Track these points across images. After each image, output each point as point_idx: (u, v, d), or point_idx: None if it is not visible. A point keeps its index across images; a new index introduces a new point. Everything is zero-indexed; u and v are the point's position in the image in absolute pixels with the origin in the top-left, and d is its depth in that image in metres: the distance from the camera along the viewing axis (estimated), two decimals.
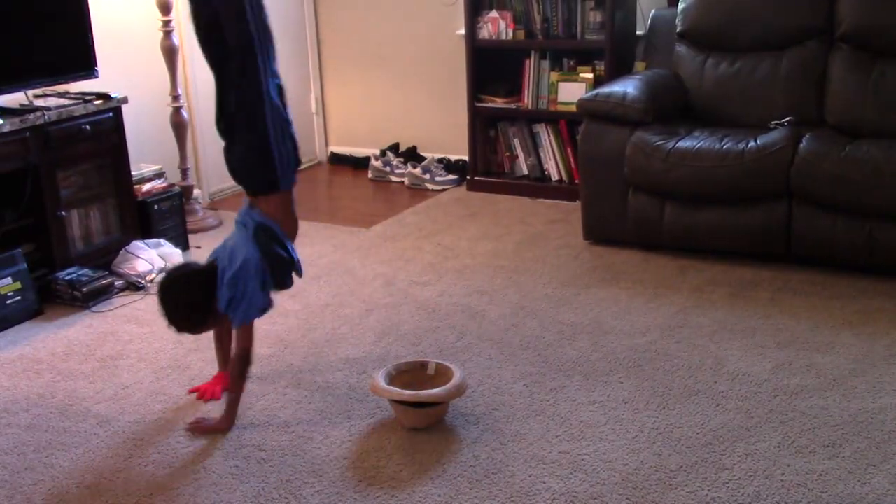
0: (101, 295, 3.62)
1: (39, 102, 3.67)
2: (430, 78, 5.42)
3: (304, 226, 4.48)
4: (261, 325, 3.34)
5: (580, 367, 2.93)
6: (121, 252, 3.86)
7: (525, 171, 4.97)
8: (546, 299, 3.48)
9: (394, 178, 5.33)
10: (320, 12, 5.67)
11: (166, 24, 4.26)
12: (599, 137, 3.91)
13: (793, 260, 3.67)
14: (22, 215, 3.56)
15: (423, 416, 2.58)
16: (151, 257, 3.83)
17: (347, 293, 3.63)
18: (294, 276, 2.75)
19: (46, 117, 3.54)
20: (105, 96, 3.80)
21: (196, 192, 4.69)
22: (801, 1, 4.02)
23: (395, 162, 5.37)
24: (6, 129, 3.39)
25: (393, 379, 2.67)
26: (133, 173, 4.04)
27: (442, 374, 2.68)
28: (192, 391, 2.87)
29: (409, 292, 3.60)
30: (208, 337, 3.26)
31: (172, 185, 4.28)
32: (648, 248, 3.92)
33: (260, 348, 3.17)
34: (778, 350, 2.99)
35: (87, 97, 3.78)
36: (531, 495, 2.28)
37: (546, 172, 4.91)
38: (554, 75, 4.71)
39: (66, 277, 3.60)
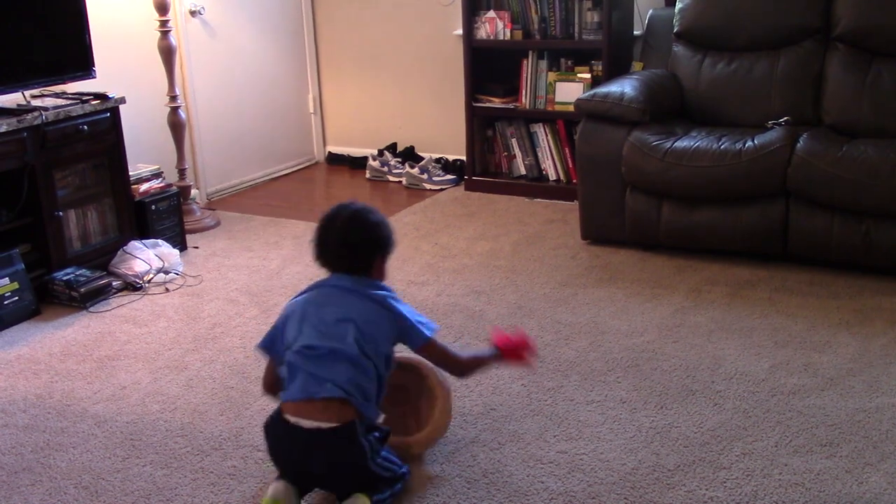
0: (98, 295, 3.61)
1: (37, 102, 3.67)
2: (428, 78, 5.42)
3: (301, 226, 4.51)
4: (258, 326, 3.35)
5: (578, 366, 2.94)
6: (118, 252, 3.86)
7: (523, 170, 4.97)
8: (544, 299, 3.48)
9: (391, 178, 5.34)
10: (318, 12, 5.67)
11: (164, 24, 4.26)
12: (597, 137, 3.91)
13: (790, 259, 3.67)
14: (19, 215, 3.56)
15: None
16: (149, 257, 3.83)
17: None
18: None
19: (44, 117, 3.53)
20: (102, 96, 3.79)
21: (194, 192, 4.69)
22: (798, 1, 4.02)
23: (392, 162, 5.37)
24: (3, 129, 3.38)
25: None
26: (130, 173, 4.04)
27: (428, 391, 2.48)
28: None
29: (407, 292, 3.59)
30: (205, 337, 3.27)
31: (170, 185, 4.28)
32: (646, 247, 3.93)
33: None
34: (775, 349, 2.99)
35: (85, 97, 3.77)
36: (529, 495, 2.28)
37: (544, 172, 4.92)
38: (551, 75, 4.72)
39: (64, 278, 3.59)
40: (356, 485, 2.16)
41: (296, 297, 2.34)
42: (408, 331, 2.24)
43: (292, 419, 2.13)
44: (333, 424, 2.10)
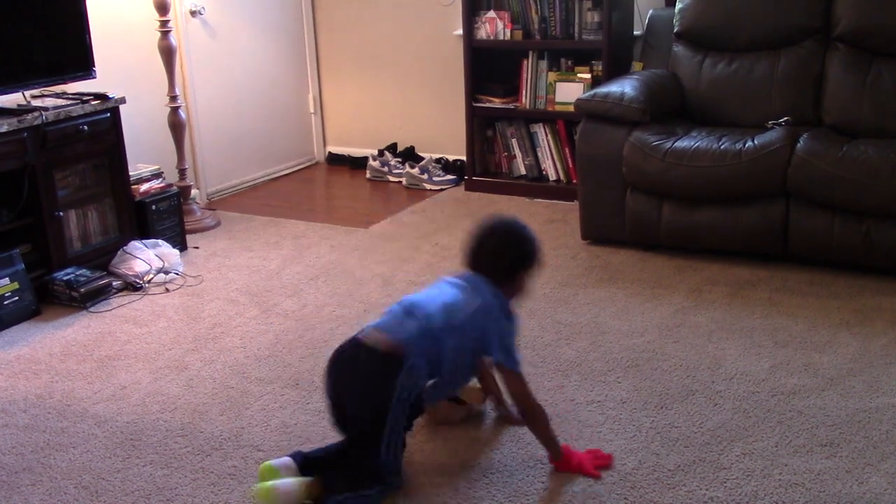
0: (98, 295, 3.61)
1: (37, 103, 3.67)
2: (428, 78, 5.42)
3: (301, 226, 4.52)
4: (258, 326, 3.35)
5: (578, 366, 2.93)
6: (118, 252, 3.86)
7: (523, 171, 4.97)
8: (544, 299, 3.48)
9: (391, 179, 5.34)
10: (318, 12, 5.67)
11: (164, 24, 4.26)
12: (597, 137, 3.91)
13: (790, 259, 3.67)
14: (19, 215, 3.56)
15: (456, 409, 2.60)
16: (149, 257, 3.83)
17: (345, 293, 3.63)
18: None
19: (44, 117, 3.53)
20: (102, 97, 3.79)
21: (194, 192, 4.69)
22: (798, 1, 4.02)
23: (392, 162, 5.37)
24: (3, 129, 3.38)
25: None
26: (131, 173, 4.04)
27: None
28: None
29: (408, 292, 3.57)
30: (206, 337, 3.27)
31: (170, 185, 4.28)
32: (646, 247, 3.93)
33: (258, 349, 3.17)
34: (775, 350, 2.99)
35: (85, 97, 3.77)
36: (529, 495, 2.28)
37: (544, 172, 4.92)
38: (552, 75, 4.72)
39: (64, 278, 3.59)
40: (367, 426, 2.22)
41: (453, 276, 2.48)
42: (489, 348, 2.34)
43: (360, 336, 2.32)
44: (387, 350, 2.24)
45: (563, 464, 2.37)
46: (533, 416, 2.36)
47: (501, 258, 2.41)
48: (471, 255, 2.44)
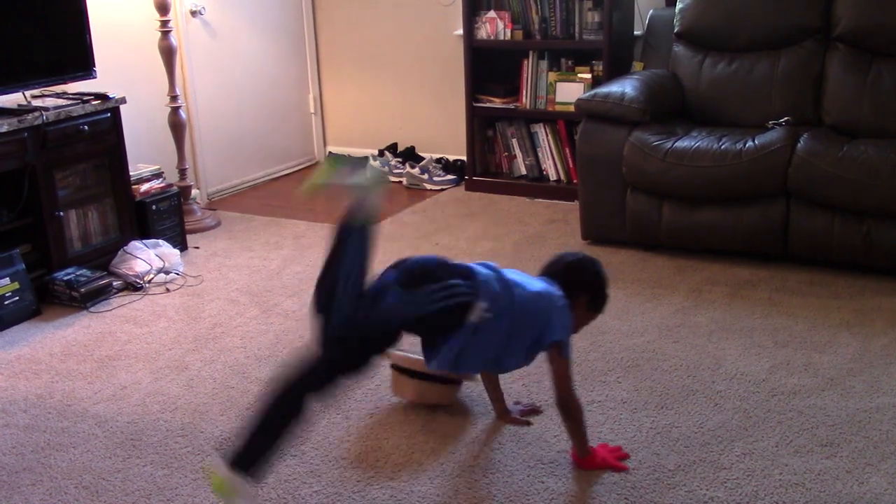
0: (99, 295, 3.62)
1: (37, 103, 3.67)
2: (429, 78, 5.42)
3: (301, 226, 4.52)
4: (259, 326, 3.35)
5: (578, 367, 2.93)
6: (119, 252, 3.86)
7: (523, 171, 4.97)
8: None
9: (392, 179, 5.33)
10: (318, 12, 5.67)
11: (164, 24, 4.26)
12: (597, 137, 3.91)
13: (790, 259, 3.67)
14: (20, 215, 3.56)
15: (429, 390, 2.62)
16: (150, 257, 3.83)
17: None
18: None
19: (44, 118, 3.53)
20: (103, 97, 3.80)
21: (194, 192, 4.69)
22: (798, 1, 4.03)
23: (393, 162, 5.37)
24: (4, 129, 3.38)
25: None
26: (131, 173, 4.04)
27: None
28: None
29: None
30: (206, 337, 3.27)
31: (170, 185, 4.28)
32: (646, 247, 3.93)
33: (258, 349, 3.17)
34: (776, 350, 2.99)
35: (85, 97, 3.78)
36: (529, 495, 2.28)
37: (544, 172, 4.92)
38: (552, 75, 4.72)
39: (64, 278, 3.59)
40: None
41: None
42: (548, 329, 2.33)
43: None
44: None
45: (588, 461, 2.38)
46: (571, 409, 2.36)
47: (572, 272, 2.47)
48: (548, 265, 2.52)
